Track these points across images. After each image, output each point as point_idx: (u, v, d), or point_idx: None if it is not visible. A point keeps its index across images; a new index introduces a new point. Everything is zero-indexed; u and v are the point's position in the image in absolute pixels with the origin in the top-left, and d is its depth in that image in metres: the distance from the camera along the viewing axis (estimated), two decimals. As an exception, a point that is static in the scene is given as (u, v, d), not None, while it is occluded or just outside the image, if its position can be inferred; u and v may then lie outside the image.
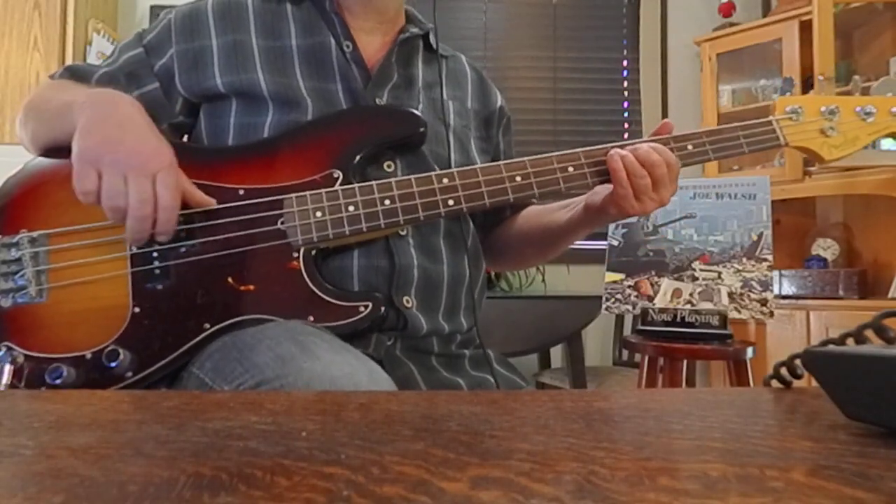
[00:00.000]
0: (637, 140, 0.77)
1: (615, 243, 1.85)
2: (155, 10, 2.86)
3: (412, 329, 0.74)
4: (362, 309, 0.69)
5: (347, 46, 0.81)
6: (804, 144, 0.82)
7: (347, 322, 0.68)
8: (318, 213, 0.70)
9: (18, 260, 0.69)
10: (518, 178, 0.74)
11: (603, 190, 0.77)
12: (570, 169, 0.75)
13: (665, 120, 0.80)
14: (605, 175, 0.75)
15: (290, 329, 0.64)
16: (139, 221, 0.64)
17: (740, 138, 0.80)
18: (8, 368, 0.65)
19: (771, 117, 0.82)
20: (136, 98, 0.75)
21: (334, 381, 0.56)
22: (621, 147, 0.75)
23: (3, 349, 0.66)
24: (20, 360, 0.66)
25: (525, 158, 0.75)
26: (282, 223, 0.70)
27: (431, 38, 0.89)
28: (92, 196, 0.65)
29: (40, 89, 0.82)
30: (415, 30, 0.86)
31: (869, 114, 0.82)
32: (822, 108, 0.82)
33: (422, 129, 0.76)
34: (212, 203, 0.70)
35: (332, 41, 0.81)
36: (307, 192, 0.71)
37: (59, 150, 0.75)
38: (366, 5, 0.83)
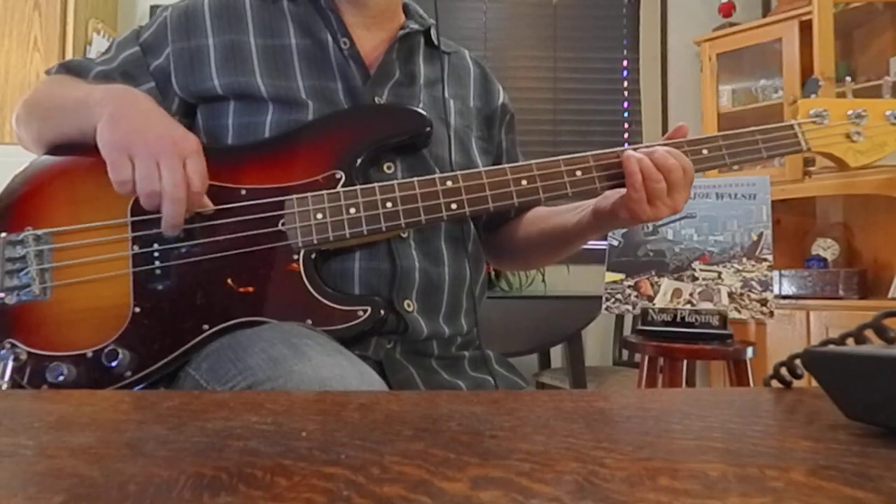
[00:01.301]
0: (650, 143, 0.75)
1: (615, 243, 1.85)
2: (155, 11, 2.86)
3: (413, 332, 0.74)
4: (361, 313, 0.69)
5: (345, 44, 0.80)
6: (828, 150, 0.78)
7: (346, 326, 0.68)
8: (319, 215, 0.70)
9: (23, 258, 0.69)
10: (524, 182, 0.72)
11: (613, 194, 0.76)
12: (579, 173, 0.73)
13: (680, 123, 0.78)
14: (614, 180, 0.74)
15: (284, 331, 0.64)
16: (175, 204, 0.66)
17: (759, 143, 0.77)
18: (11, 365, 0.65)
19: (792, 121, 0.79)
20: None
21: (324, 383, 0.55)
22: (635, 150, 0.73)
23: (7, 346, 0.67)
24: (23, 357, 0.66)
25: (532, 162, 0.74)
26: (282, 224, 0.70)
27: (433, 34, 0.87)
28: (129, 185, 0.66)
29: (40, 87, 0.82)
30: (414, 25, 0.85)
31: None
32: (849, 112, 0.78)
33: (427, 129, 0.75)
34: (209, 208, 0.70)
35: (330, 38, 0.80)
36: (308, 194, 0.70)
37: (64, 147, 0.75)
38: (352, 2, 0.81)
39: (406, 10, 0.88)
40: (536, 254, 0.94)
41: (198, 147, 0.69)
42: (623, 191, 0.73)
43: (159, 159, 0.66)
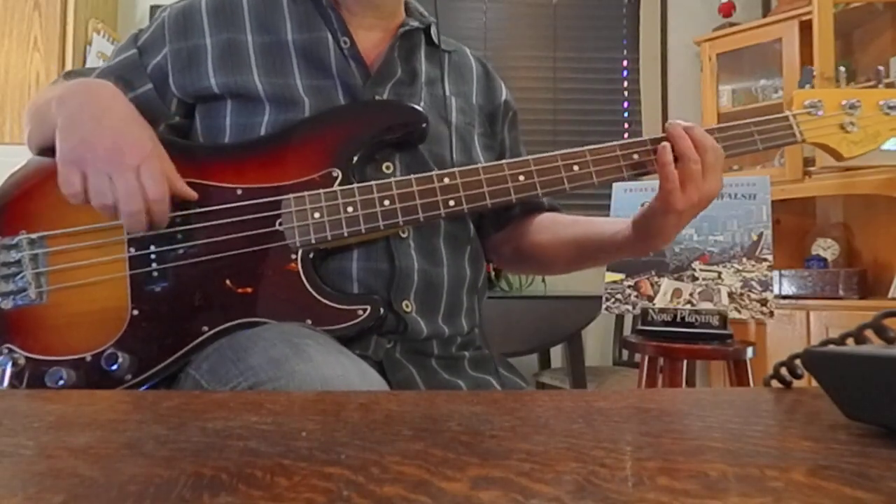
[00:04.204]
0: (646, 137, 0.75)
1: (615, 243, 1.85)
2: (155, 11, 2.86)
3: (412, 332, 0.74)
4: (360, 312, 0.68)
5: (345, 42, 0.79)
6: (822, 141, 0.78)
7: (345, 326, 0.68)
8: (317, 214, 0.70)
9: (18, 262, 0.69)
10: (521, 178, 0.72)
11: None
12: (576, 168, 0.73)
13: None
14: (609, 174, 0.74)
15: (285, 331, 0.64)
16: (132, 216, 0.65)
17: (754, 134, 0.76)
18: (9, 371, 0.65)
19: (787, 112, 0.79)
20: (130, 100, 0.75)
21: (326, 383, 0.55)
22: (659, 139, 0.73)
23: (5, 351, 0.66)
24: (21, 362, 0.66)
25: (529, 157, 0.74)
26: (280, 224, 0.70)
27: (433, 32, 0.87)
28: (79, 197, 0.66)
29: (37, 93, 0.82)
30: (415, 23, 0.84)
31: (893, 108, 0.77)
32: (843, 102, 0.78)
33: (423, 125, 0.75)
34: (193, 196, 0.70)
35: (329, 37, 0.79)
36: (305, 193, 0.70)
37: (51, 149, 0.75)
38: (361, 3, 0.81)
39: (407, 7, 0.88)
40: (561, 261, 0.90)
41: (150, 151, 0.67)
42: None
43: (110, 172, 0.65)
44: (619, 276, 1.83)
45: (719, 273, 1.73)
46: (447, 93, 0.84)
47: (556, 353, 2.63)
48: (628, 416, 0.35)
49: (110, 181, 0.65)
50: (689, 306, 1.71)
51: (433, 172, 0.72)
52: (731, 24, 2.84)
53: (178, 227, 0.70)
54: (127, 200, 0.65)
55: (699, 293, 1.73)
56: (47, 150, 0.75)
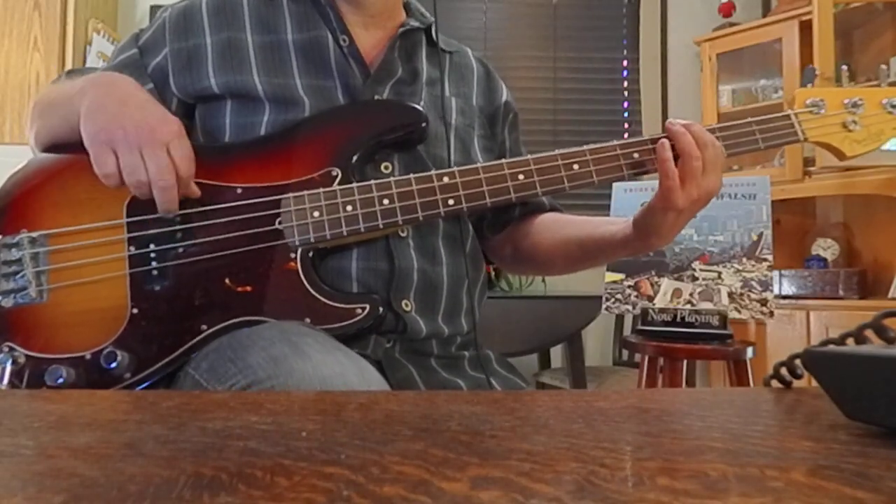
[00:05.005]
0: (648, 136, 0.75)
1: (615, 243, 1.85)
2: (155, 11, 2.86)
3: (411, 332, 0.74)
4: (359, 311, 0.68)
5: (344, 41, 0.79)
6: (824, 140, 0.78)
7: (344, 325, 0.68)
8: (316, 213, 0.70)
9: (19, 260, 0.69)
10: (521, 177, 0.72)
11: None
12: (576, 167, 0.73)
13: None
14: (609, 174, 0.74)
15: (284, 329, 0.64)
16: (165, 191, 0.66)
17: (755, 133, 0.76)
18: (9, 369, 0.65)
19: (789, 111, 0.78)
20: None
21: (325, 381, 0.55)
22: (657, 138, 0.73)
23: (5, 349, 0.66)
24: (21, 360, 0.66)
25: (528, 156, 0.74)
26: (279, 223, 0.70)
27: (433, 32, 0.86)
28: (115, 178, 0.67)
29: (42, 92, 0.82)
30: (415, 23, 0.84)
31: None
32: (845, 101, 0.78)
33: (423, 125, 0.75)
34: (197, 193, 0.70)
35: (329, 35, 0.79)
36: (305, 192, 0.70)
37: (59, 146, 0.75)
38: (349, 1, 0.81)
39: (407, 8, 0.88)
40: (562, 260, 0.89)
41: (178, 130, 0.69)
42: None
43: (141, 148, 0.66)
44: (619, 276, 1.83)
45: (719, 273, 1.73)
46: (447, 93, 0.84)
47: (556, 353, 2.63)
48: (628, 416, 0.35)
49: (142, 157, 0.66)
50: (689, 306, 1.71)
51: (433, 172, 0.72)
52: (731, 24, 2.84)
53: (178, 225, 0.70)
54: (159, 175, 0.66)
55: (699, 293, 1.73)
56: (54, 147, 0.75)
